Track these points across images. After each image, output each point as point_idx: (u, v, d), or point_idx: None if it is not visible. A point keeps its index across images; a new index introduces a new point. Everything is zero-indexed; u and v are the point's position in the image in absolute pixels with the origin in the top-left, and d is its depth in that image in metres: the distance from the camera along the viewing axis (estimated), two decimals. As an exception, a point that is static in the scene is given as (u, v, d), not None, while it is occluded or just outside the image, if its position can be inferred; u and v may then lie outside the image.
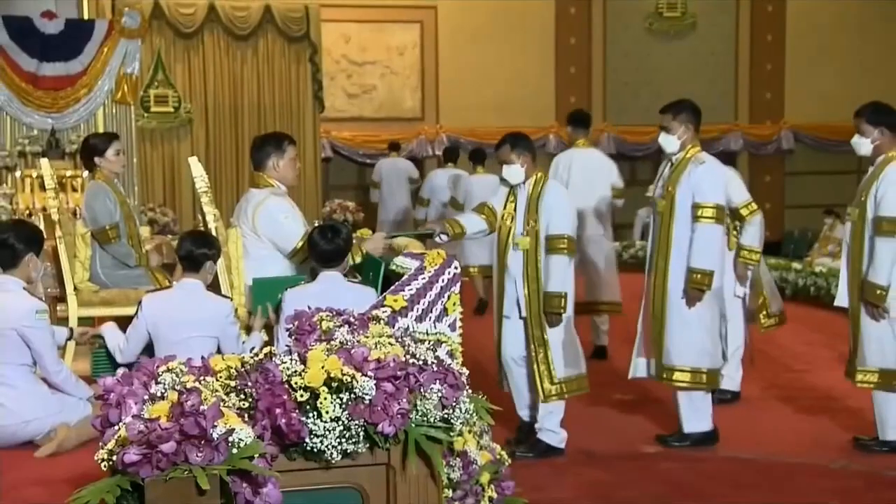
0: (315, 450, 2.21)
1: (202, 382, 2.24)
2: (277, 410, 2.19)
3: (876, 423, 4.21)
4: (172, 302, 3.82)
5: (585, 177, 6.14)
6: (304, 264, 4.06)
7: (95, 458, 2.13)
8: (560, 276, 4.07)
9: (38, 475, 3.44)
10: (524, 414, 4.34)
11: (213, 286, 4.00)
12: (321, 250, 3.70)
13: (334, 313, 2.68)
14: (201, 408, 2.07)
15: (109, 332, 3.88)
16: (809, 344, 6.83)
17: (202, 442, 2.05)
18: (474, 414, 2.44)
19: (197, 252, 3.80)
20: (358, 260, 4.04)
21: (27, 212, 7.03)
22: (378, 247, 4.12)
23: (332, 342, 2.41)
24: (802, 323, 7.67)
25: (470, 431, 2.51)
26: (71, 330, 4.24)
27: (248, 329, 3.94)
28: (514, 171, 4.20)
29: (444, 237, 4.30)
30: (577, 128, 6.58)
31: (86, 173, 6.46)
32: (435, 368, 2.34)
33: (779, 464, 4.16)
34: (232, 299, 3.95)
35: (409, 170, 10.20)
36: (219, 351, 3.67)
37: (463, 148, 13.06)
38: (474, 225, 4.36)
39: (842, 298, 4.16)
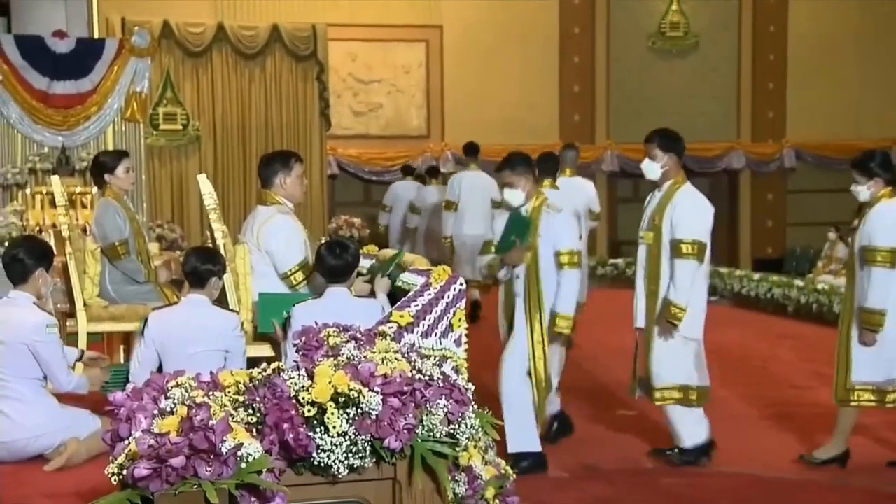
0: (322, 464, 2.24)
1: (211, 397, 2.27)
2: (285, 425, 2.23)
3: (672, 434, 4.29)
4: (178, 317, 3.85)
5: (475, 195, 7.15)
6: (298, 288, 4.10)
7: (106, 472, 2.15)
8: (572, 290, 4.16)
9: (48, 489, 3.46)
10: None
11: (221, 302, 4.04)
12: (329, 266, 3.74)
13: (341, 329, 2.71)
14: (210, 422, 2.11)
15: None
16: (811, 361, 6.83)
17: (211, 456, 2.08)
18: (479, 429, 2.47)
19: (202, 268, 3.84)
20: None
21: (37, 228, 7.09)
22: (364, 290, 4.03)
23: (339, 358, 2.44)
24: (804, 340, 7.67)
25: (475, 446, 2.53)
26: (81, 352, 4.28)
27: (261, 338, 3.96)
28: (516, 194, 4.23)
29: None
30: (468, 156, 8.08)
31: (95, 190, 6.53)
32: (441, 384, 2.38)
33: (780, 480, 4.17)
34: (239, 314, 3.99)
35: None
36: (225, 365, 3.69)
37: (467, 166, 13.15)
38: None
39: (640, 320, 4.24)
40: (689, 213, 4.16)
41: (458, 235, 7.85)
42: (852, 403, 4.21)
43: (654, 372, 4.20)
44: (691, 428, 4.26)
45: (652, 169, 4.23)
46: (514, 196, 4.25)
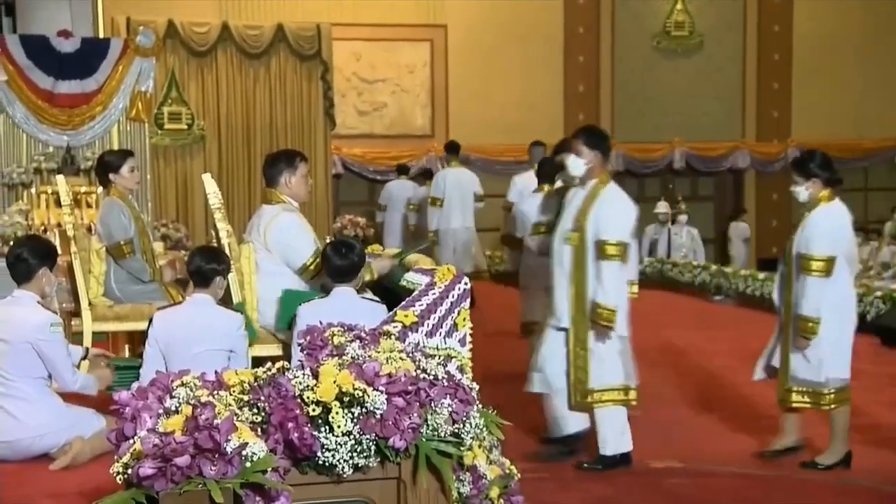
0: (327, 464, 2.24)
1: (216, 397, 2.28)
2: (290, 424, 2.23)
3: (598, 439, 4.23)
4: (183, 317, 3.86)
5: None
6: (315, 280, 4.11)
7: (110, 471, 2.16)
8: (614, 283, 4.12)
9: (53, 488, 3.47)
10: None
11: (226, 301, 4.04)
12: (334, 266, 3.74)
13: (346, 328, 2.72)
14: (215, 422, 2.11)
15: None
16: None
17: (216, 455, 2.08)
18: (484, 428, 2.47)
19: (206, 267, 3.84)
20: (367, 279, 4.08)
21: (42, 227, 7.11)
22: (385, 266, 4.16)
23: (344, 357, 2.44)
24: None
25: (480, 446, 2.53)
26: (86, 349, 4.29)
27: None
28: (578, 163, 4.17)
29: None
30: (450, 154, 8.64)
31: (100, 190, 6.54)
32: (445, 383, 2.38)
33: (784, 479, 4.16)
34: (242, 312, 3.99)
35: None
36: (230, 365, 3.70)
37: (473, 164, 13.16)
38: None
39: (563, 320, 4.18)
40: (615, 213, 4.11)
41: (444, 230, 8.32)
42: (792, 405, 4.22)
43: (593, 374, 4.14)
44: (619, 436, 4.22)
45: (577, 165, 4.17)
46: (576, 165, 4.17)
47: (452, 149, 8.82)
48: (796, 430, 4.34)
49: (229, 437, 2.09)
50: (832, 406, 4.16)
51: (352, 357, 2.44)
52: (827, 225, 4.06)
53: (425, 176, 10.25)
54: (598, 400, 4.16)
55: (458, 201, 8.32)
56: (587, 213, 4.12)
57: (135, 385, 2.40)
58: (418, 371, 2.39)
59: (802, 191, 4.13)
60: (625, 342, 4.19)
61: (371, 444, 2.25)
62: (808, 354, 4.11)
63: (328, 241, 4.09)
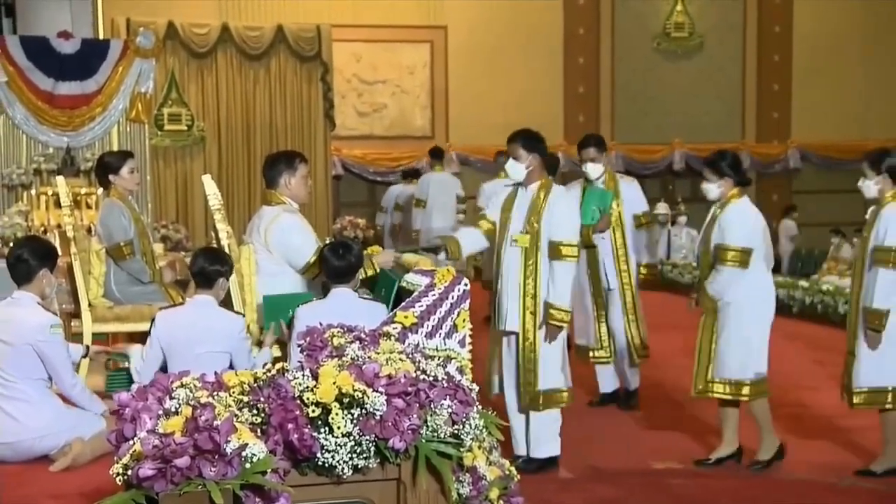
0: (326, 465, 2.24)
1: (216, 398, 2.28)
2: (290, 426, 2.23)
3: (529, 442, 4.25)
4: (185, 318, 3.86)
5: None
6: (318, 279, 4.11)
7: (110, 472, 2.16)
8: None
9: (53, 489, 3.47)
10: None
11: (226, 303, 4.04)
12: (333, 267, 3.74)
13: (346, 329, 2.72)
14: (215, 423, 2.11)
15: (136, 354, 3.91)
16: (817, 362, 6.82)
17: (216, 457, 2.08)
18: (484, 430, 2.46)
19: (209, 268, 3.84)
20: (370, 273, 4.09)
21: (42, 228, 7.11)
22: (388, 260, 4.17)
23: (344, 358, 2.44)
24: (809, 341, 7.65)
25: (479, 447, 2.53)
26: (87, 347, 4.29)
27: (261, 344, 3.98)
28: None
29: (442, 256, 4.40)
30: (434, 159, 9.08)
31: (100, 191, 6.54)
32: (445, 384, 2.38)
33: (787, 481, 4.16)
34: (244, 315, 3.99)
35: (457, 187, 9.47)
36: (231, 367, 3.70)
37: (472, 166, 13.16)
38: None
39: (513, 322, 4.19)
40: (566, 215, 4.20)
41: (426, 230, 8.74)
42: (710, 395, 4.25)
43: (542, 376, 4.14)
44: (552, 439, 4.24)
45: (517, 169, 4.23)
46: (516, 169, 4.27)
47: (437, 154, 9.27)
48: (735, 435, 4.34)
49: (229, 439, 2.09)
50: (749, 398, 4.20)
51: (351, 358, 2.44)
52: (740, 219, 4.15)
53: (413, 176, 10.34)
54: (545, 403, 4.16)
55: (441, 204, 8.78)
56: (540, 215, 4.16)
57: (134, 386, 2.39)
58: (418, 372, 2.39)
59: (714, 188, 4.24)
60: (563, 342, 4.25)
61: (371, 445, 2.25)
62: (731, 347, 4.15)
63: (328, 241, 4.08)
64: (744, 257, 4.10)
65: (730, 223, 4.14)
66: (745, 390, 4.18)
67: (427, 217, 8.88)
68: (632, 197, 5.38)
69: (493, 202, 4.47)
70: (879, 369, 4.09)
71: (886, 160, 4.13)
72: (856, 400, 4.17)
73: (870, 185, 4.14)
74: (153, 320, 3.90)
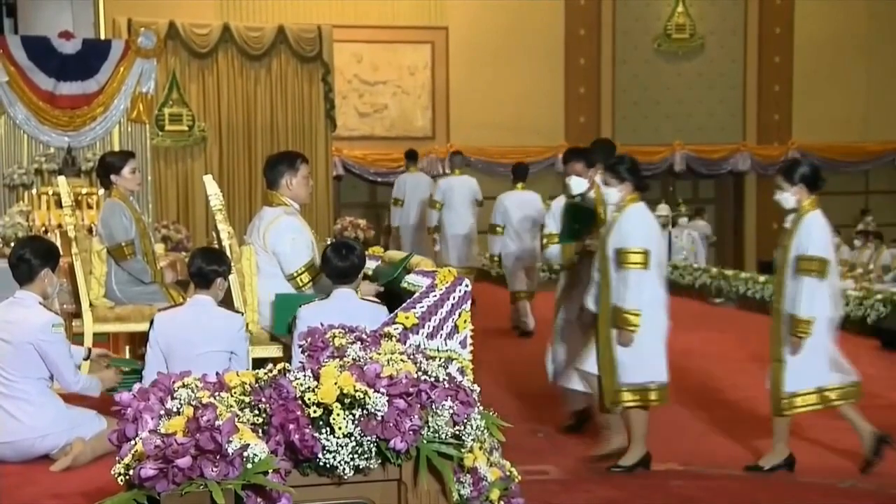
0: (328, 465, 2.25)
1: (217, 398, 2.28)
2: (291, 426, 2.23)
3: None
4: (184, 318, 3.86)
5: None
6: (304, 289, 4.10)
7: (112, 472, 2.16)
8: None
9: (54, 489, 3.47)
10: None
11: (227, 303, 4.04)
12: (335, 267, 3.74)
13: (347, 330, 2.72)
14: (216, 423, 2.11)
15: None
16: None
17: (217, 457, 2.08)
18: (485, 430, 2.47)
19: (207, 268, 3.85)
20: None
21: (43, 228, 7.11)
22: (370, 291, 4.08)
23: (345, 359, 2.45)
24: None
25: (480, 448, 2.54)
26: (88, 350, 4.29)
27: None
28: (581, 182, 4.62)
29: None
30: (409, 160, 9.81)
31: (102, 191, 6.54)
32: (446, 385, 2.38)
33: (789, 483, 4.16)
34: (244, 315, 3.99)
35: (475, 190, 9.48)
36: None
37: (473, 166, 13.17)
38: None
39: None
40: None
41: (404, 226, 9.63)
42: (623, 405, 4.24)
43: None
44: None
45: (580, 185, 4.63)
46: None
47: (411, 156, 9.94)
48: (622, 433, 4.36)
49: (231, 439, 2.10)
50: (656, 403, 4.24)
51: (353, 359, 2.44)
52: (639, 221, 4.21)
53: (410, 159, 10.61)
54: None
55: (415, 203, 9.49)
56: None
57: (136, 386, 2.40)
58: (419, 373, 2.39)
59: (615, 192, 4.28)
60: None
61: (372, 445, 2.25)
62: (632, 355, 4.16)
63: (329, 242, 4.09)
64: (645, 258, 4.13)
65: (628, 226, 4.19)
66: (654, 395, 4.22)
67: (405, 215, 9.56)
68: None
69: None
70: (805, 374, 4.15)
71: (799, 170, 4.21)
72: (784, 405, 4.20)
73: (788, 197, 4.20)
74: (152, 322, 3.90)
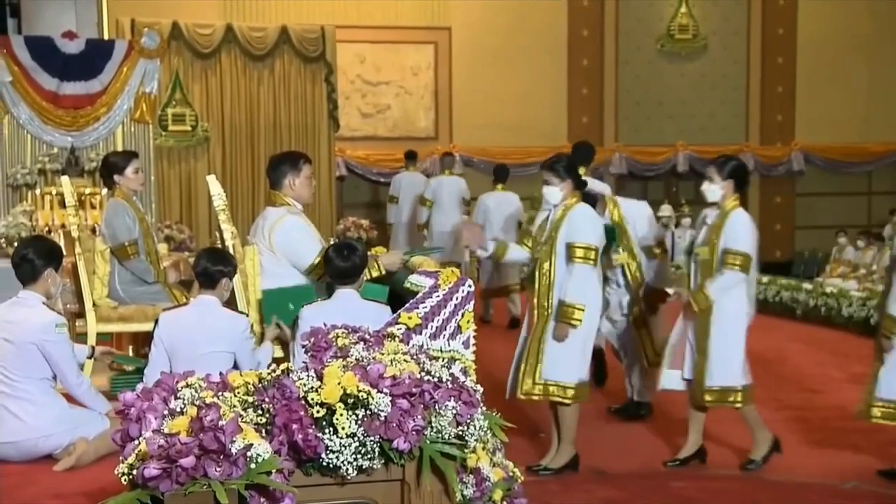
0: (331, 465, 2.25)
1: (221, 398, 2.28)
2: (294, 426, 2.23)
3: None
4: (188, 318, 3.86)
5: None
6: (322, 280, 4.11)
7: (115, 472, 2.16)
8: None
9: (57, 489, 3.47)
10: None
11: (230, 303, 4.05)
12: (337, 267, 3.75)
13: (350, 330, 2.72)
14: (220, 423, 2.11)
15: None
16: (821, 364, 6.81)
17: (221, 457, 2.09)
18: (488, 431, 2.47)
19: (213, 269, 3.85)
20: (374, 275, 4.10)
21: (46, 229, 7.10)
22: (395, 262, 4.19)
23: (348, 359, 2.45)
24: (813, 343, 7.65)
25: (483, 448, 2.54)
26: (92, 348, 4.29)
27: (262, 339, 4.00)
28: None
29: (484, 253, 4.51)
30: (408, 160, 10.28)
31: (105, 191, 6.55)
32: (449, 385, 2.38)
33: (790, 483, 4.16)
34: (248, 315, 4.00)
35: (463, 190, 9.85)
36: (235, 366, 3.70)
37: (475, 167, 13.16)
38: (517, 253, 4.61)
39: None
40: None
41: (398, 223, 10.13)
42: (535, 397, 4.25)
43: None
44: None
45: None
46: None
47: (410, 157, 10.37)
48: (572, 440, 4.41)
49: (234, 439, 2.10)
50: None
51: (356, 359, 2.44)
52: (584, 217, 4.27)
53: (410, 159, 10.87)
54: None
55: (410, 201, 9.90)
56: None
57: (140, 386, 2.40)
58: (422, 373, 2.39)
59: (557, 191, 4.33)
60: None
61: (375, 445, 2.25)
62: (565, 350, 4.20)
63: (331, 242, 4.09)
64: (596, 255, 4.24)
65: (577, 222, 4.25)
66: (571, 392, 4.24)
67: (399, 212, 10.07)
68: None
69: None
70: (729, 369, 4.19)
71: (731, 164, 4.24)
72: (707, 398, 4.22)
73: (715, 189, 4.23)
74: (156, 321, 3.90)
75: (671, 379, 4.43)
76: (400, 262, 4.17)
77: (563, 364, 4.19)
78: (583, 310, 4.16)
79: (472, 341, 3.38)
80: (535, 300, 4.30)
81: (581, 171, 7.15)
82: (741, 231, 4.15)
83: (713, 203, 4.25)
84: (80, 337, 4.61)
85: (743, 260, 4.11)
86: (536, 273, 4.32)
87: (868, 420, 4.25)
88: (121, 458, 2.18)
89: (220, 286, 3.86)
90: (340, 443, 2.23)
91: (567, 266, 4.23)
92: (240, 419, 2.18)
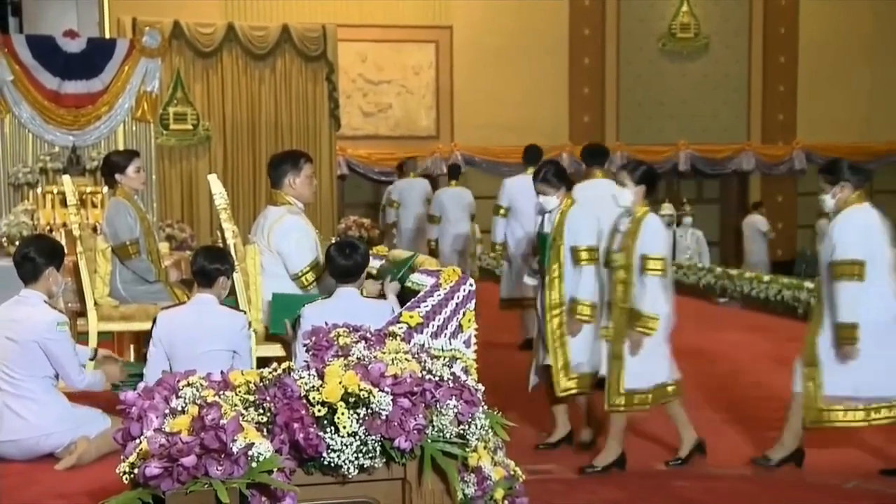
0: (332, 464, 2.25)
1: (222, 397, 2.28)
2: (295, 425, 2.23)
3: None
4: (186, 317, 3.86)
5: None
6: (309, 288, 4.11)
7: (117, 470, 2.16)
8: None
9: (59, 488, 3.47)
10: None
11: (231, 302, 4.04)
12: (339, 266, 3.74)
13: (351, 329, 2.72)
14: (221, 422, 2.11)
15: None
16: (823, 364, 6.78)
17: (222, 456, 2.09)
18: (489, 430, 2.47)
19: (210, 267, 3.85)
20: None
21: (48, 227, 7.10)
22: (373, 291, 4.05)
23: (350, 358, 2.45)
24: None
25: (485, 447, 2.54)
26: (94, 351, 4.29)
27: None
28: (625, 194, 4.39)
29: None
30: (407, 167, 10.16)
31: (106, 190, 6.54)
32: (451, 384, 2.38)
33: (792, 483, 4.16)
34: (247, 313, 3.99)
35: (470, 204, 9.72)
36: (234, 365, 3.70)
37: (477, 166, 13.16)
38: None
39: None
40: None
41: (402, 229, 10.07)
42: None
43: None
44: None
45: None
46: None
47: (409, 165, 10.40)
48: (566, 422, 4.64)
49: (235, 438, 2.10)
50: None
51: (357, 358, 2.44)
52: (581, 220, 4.49)
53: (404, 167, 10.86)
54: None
55: (412, 206, 9.87)
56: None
57: (140, 385, 2.40)
58: (424, 372, 2.39)
59: (553, 199, 4.53)
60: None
61: (376, 444, 2.25)
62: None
63: (333, 241, 4.09)
64: (592, 255, 4.45)
65: (574, 223, 4.47)
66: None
67: (401, 216, 10.00)
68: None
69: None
70: (644, 372, 4.20)
71: (643, 170, 4.30)
72: (618, 401, 4.22)
73: (626, 194, 4.27)
74: (154, 321, 3.90)
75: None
76: (377, 292, 4.04)
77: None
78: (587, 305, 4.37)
79: (474, 340, 3.37)
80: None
81: (529, 170, 7.21)
82: (656, 235, 4.22)
83: (626, 207, 4.31)
84: (81, 336, 4.61)
85: (662, 264, 4.18)
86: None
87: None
88: (122, 456, 2.19)
89: (217, 284, 3.86)
90: (342, 442, 2.23)
91: (575, 267, 4.47)
92: (241, 418, 2.18)
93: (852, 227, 4.07)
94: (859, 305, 4.01)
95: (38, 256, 3.87)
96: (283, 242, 4.15)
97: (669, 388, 4.29)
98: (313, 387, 2.29)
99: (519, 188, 7.24)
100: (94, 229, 6.06)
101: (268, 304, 4.11)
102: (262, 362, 3.74)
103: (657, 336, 4.16)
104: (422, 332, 3.23)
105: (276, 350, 4.11)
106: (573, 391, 4.52)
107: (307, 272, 4.13)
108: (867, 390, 4.09)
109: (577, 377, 4.50)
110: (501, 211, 7.35)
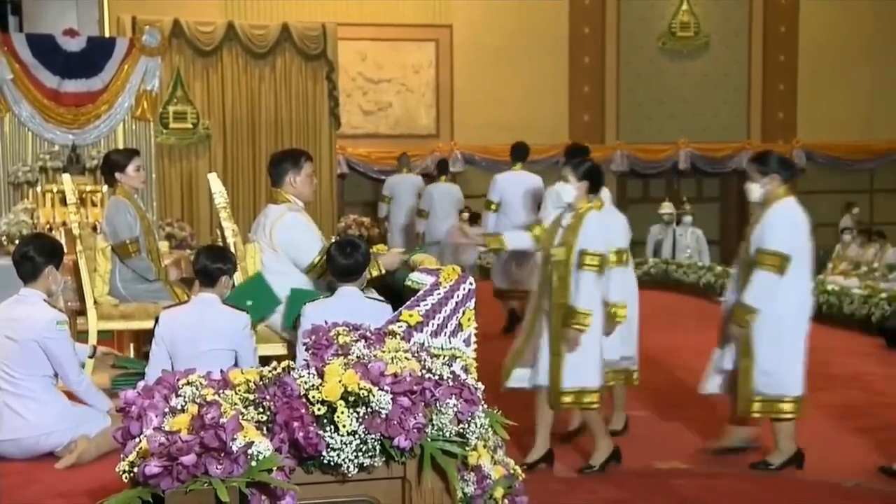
0: (332, 463, 2.25)
1: (221, 395, 2.28)
2: (295, 424, 2.23)
3: None
4: (188, 316, 3.86)
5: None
6: (322, 279, 4.11)
7: (117, 469, 2.16)
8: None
9: (59, 487, 3.47)
10: None
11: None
12: (339, 265, 3.74)
13: (351, 328, 2.72)
14: (221, 421, 2.11)
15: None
16: (822, 363, 6.79)
17: (222, 454, 2.09)
18: (489, 429, 2.47)
19: (212, 266, 3.85)
20: (374, 274, 4.09)
21: (48, 226, 7.10)
22: (395, 261, 4.18)
23: (349, 356, 2.45)
24: (815, 341, 7.63)
25: (485, 446, 2.54)
26: (93, 348, 4.29)
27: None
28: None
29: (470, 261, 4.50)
30: (401, 163, 10.39)
31: (106, 188, 6.55)
32: (451, 383, 2.38)
33: (792, 482, 4.16)
34: (248, 313, 4.00)
35: (458, 199, 10.00)
36: (236, 364, 3.70)
37: (477, 165, 13.16)
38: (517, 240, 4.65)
39: None
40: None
41: (394, 224, 10.12)
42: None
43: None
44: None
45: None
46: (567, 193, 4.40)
47: (404, 161, 10.49)
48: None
49: (235, 436, 2.10)
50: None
51: (357, 356, 2.44)
52: (595, 226, 4.22)
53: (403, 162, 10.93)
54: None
55: (404, 202, 9.97)
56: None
57: (140, 384, 2.40)
58: (423, 371, 2.39)
59: (570, 189, 4.23)
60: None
61: (376, 443, 2.25)
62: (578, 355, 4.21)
63: (333, 240, 4.09)
64: (601, 260, 4.25)
65: (588, 229, 4.21)
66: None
67: (393, 212, 10.12)
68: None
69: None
70: (582, 370, 4.16)
71: (587, 166, 4.25)
72: (565, 400, 4.20)
73: (569, 190, 4.21)
74: (156, 319, 3.90)
75: (520, 378, 4.39)
76: (399, 262, 4.16)
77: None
78: (589, 314, 4.13)
79: (473, 339, 3.38)
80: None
81: (518, 166, 7.38)
82: (595, 232, 4.18)
83: (568, 203, 4.24)
84: (81, 335, 4.61)
85: (599, 260, 4.14)
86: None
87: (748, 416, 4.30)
88: (122, 455, 2.19)
89: (219, 284, 3.86)
90: (341, 440, 2.23)
91: (577, 272, 4.26)
92: (241, 417, 2.18)
93: (785, 220, 4.25)
94: (770, 297, 4.12)
95: (38, 255, 3.87)
96: (289, 236, 4.14)
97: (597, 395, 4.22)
98: (313, 385, 2.29)
99: (509, 183, 7.32)
100: (94, 228, 6.06)
101: (286, 299, 4.10)
102: (264, 361, 3.74)
103: (593, 333, 4.11)
104: (421, 331, 3.23)
105: (277, 349, 4.11)
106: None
107: (321, 260, 4.10)
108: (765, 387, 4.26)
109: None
110: (493, 206, 7.37)
